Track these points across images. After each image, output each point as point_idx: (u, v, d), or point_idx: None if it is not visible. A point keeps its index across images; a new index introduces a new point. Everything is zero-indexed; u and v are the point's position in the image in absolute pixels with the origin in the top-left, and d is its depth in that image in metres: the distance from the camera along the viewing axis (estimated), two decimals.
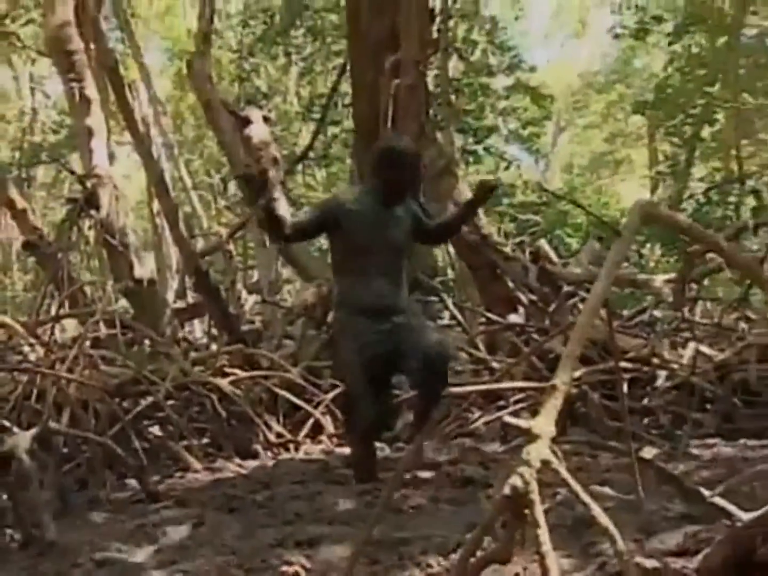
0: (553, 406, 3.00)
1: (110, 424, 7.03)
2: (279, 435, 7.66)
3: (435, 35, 10.61)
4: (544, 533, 2.73)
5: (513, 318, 9.53)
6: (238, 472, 6.59)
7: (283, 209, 6.11)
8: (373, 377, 5.42)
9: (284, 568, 3.87)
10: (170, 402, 7.66)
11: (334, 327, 6.33)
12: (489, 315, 9.90)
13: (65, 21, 13.96)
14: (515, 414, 6.39)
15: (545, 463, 2.85)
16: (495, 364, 8.51)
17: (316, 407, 7.87)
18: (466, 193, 10.55)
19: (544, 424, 2.94)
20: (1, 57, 26.70)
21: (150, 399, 7.58)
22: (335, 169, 25.16)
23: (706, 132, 24.73)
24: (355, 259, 5.54)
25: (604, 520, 2.80)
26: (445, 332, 6.59)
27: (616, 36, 25.03)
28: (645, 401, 7.28)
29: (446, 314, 10.85)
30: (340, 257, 5.70)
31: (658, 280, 9.43)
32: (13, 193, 15.24)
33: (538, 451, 2.86)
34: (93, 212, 14.26)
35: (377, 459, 5.71)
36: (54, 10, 13.98)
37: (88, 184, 14.40)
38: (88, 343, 8.55)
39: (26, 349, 9.22)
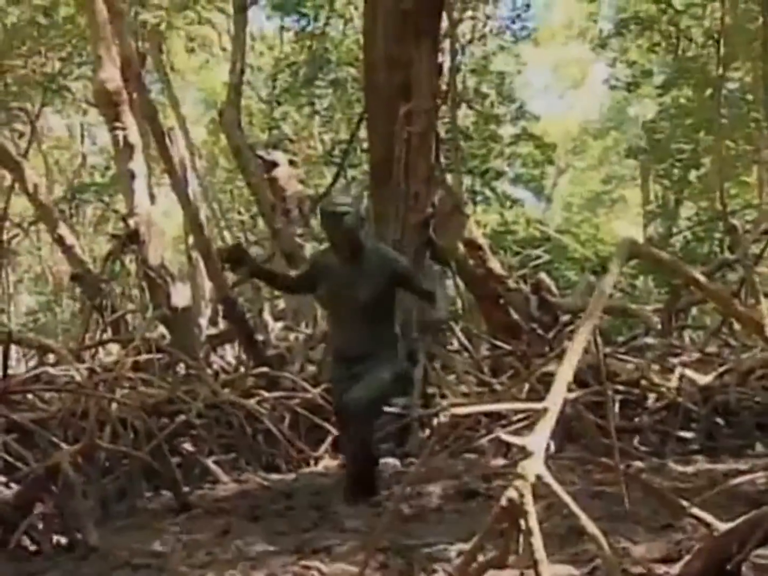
0: (545, 425, 3.00)
1: (147, 440, 7.04)
2: (300, 451, 7.66)
3: (444, 87, 10.65)
4: (537, 541, 2.74)
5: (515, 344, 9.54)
6: (262, 485, 6.59)
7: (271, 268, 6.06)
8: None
9: (303, 572, 3.88)
10: (201, 420, 7.68)
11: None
12: (493, 341, 9.90)
13: (112, 76, 14.15)
14: (517, 432, 6.37)
15: (538, 477, 2.86)
16: (498, 386, 8.51)
17: (334, 426, 7.86)
18: (473, 230, 10.61)
19: (537, 441, 2.95)
20: (56, 108, 26.95)
21: (183, 417, 7.59)
22: None
23: (693, 175, 24.82)
24: (331, 311, 5.69)
25: (592, 529, 2.81)
26: (391, 384, 6.13)
27: (612, 87, 25.18)
28: (635, 420, 7.26)
29: (454, 341, 10.84)
30: (323, 307, 5.84)
31: (648, 309, 9.43)
32: (63, 229, 15.33)
33: (532, 466, 2.86)
34: (134, 247, 14.35)
35: (372, 481, 5.46)
36: (102, 66, 14.17)
37: (131, 222, 14.50)
38: (128, 366, 8.59)
39: (72, 371, 9.25)
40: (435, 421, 7.81)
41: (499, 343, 9.73)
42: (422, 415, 8.05)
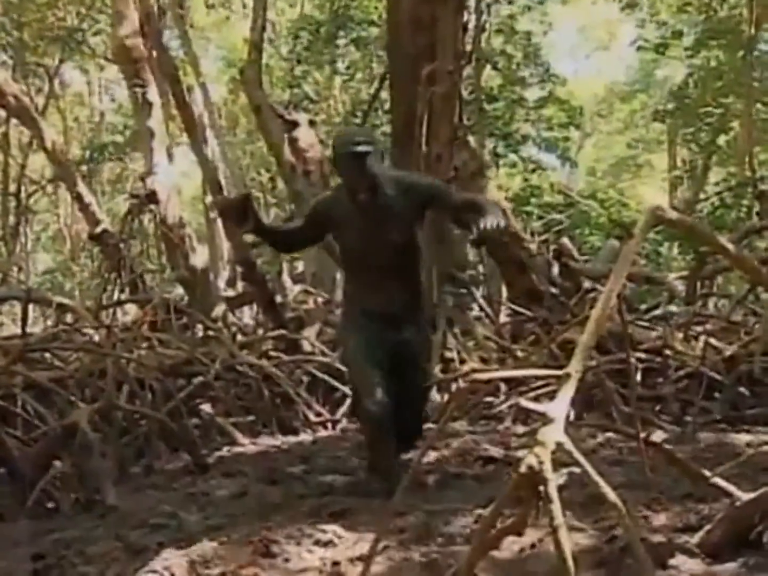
0: (566, 392, 3.01)
1: (165, 401, 7.12)
2: (318, 414, 7.71)
3: (469, 48, 10.57)
4: (557, 508, 2.75)
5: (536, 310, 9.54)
6: (280, 448, 6.64)
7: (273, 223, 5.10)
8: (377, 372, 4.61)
9: (320, 536, 3.92)
10: (219, 382, 7.74)
11: (339, 323, 5.47)
12: (514, 307, 9.90)
13: (131, 32, 14.15)
14: (536, 399, 6.39)
15: (559, 444, 2.87)
16: (519, 353, 8.52)
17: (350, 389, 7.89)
18: (495, 195, 10.56)
19: (558, 408, 2.95)
20: (75, 64, 26.94)
21: (201, 379, 7.65)
22: None
23: (722, 139, 24.55)
24: (354, 264, 4.78)
25: (612, 497, 2.82)
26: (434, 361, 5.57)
27: (639, 49, 24.84)
28: (657, 389, 7.25)
29: (475, 306, 10.83)
30: (342, 259, 4.98)
31: (672, 277, 9.39)
32: (81, 188, 15.38)
33: (553, 433, 2.87)
34: (153, 207, 14.38)
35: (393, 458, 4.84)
36: (121, 22, 14.17)
37: (149, 182, 14.53)
38: (146, 326, 8.65)
39: (90, 330, 9.32)
40: (453, 387, 7.83)
41: (519, 309, 9.72)
42: (441, 380, 8.08)
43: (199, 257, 14.76)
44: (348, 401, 7.79)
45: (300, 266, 18.18)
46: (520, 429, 6.30)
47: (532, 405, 3.05)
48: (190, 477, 5.73)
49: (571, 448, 2.90)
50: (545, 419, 2.93)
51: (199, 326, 10.44)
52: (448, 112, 9.41)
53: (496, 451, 5.35)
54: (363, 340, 4.62)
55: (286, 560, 3.73)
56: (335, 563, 3.62)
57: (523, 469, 2.81)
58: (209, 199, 20.87)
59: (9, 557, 4.50)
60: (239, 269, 13.56)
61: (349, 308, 4.88)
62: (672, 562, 3.13)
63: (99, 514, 5.04)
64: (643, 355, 7.31)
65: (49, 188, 26.93)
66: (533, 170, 23.27)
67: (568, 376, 3.07)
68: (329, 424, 7.58)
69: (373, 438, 4.72)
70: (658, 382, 7.33)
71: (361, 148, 4.36)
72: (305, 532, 3.95)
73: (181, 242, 14.26)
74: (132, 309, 14.76)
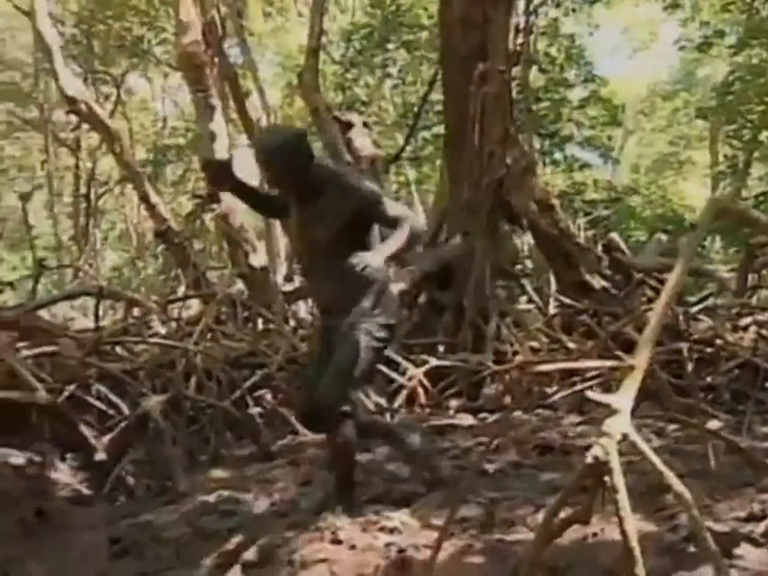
0: (632, 383, 2.92)
1: (230, 391, 7.13)
2: (376, 404, 7.65)
3: (518, 48, 10.45)
4: (623, 498, 2.67)
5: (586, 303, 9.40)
6: None
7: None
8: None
9: (385, 523, 3.86)
10: (281, 373, 7.72)
11: None
12: (564, 299, 9.77)
13: (194, 40, 14.24)
14: (589, 389, 6.29)
15: (624, 435, 2.79)
16: (570, 344, 8.39)
17: (409, 380, 7.83)
18: (545, 190, 10.44)
19: (624, 399, 2.87)
20: (141, 72, 27.22)
21: (264, 370, 7.64)
22: (426, 169, 25.09)
23: (764, 135, 24.11)
24: (299, 257, 4.62)
25: (679, 487, 2.73)
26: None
27: (682, 48, 24.47)
28: (709, 379, 7.09)
29: (523, 298, 10.71)
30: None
31: (722, 269, 9.20)
32: (147, 188, 15.49)
33: (619, 424, 2.79)
34: (215, 206, 14.45)
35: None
36: (185, 31, 14.28)
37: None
38: (211, 320, 8.67)
39: (156, 324, 9.36)
40: (507, 377, 7.74)
41: (569, 301, 9.59)
42: (494, 371, 7.99)
43: (259, 254, 14.79)
44: (404, 392, 7.74)
45: None
46: (576, 418, 6.18)
47: (598, 396, 2.96)
48: (256, 465, 5.72)
49: (637, 438, 2.82)
50: (611, 410, 2.85)
51: (261, 320, 10.44)
52: (499, 111, 9.30)
53: (553, 440, 5.26)
54: (317, 337, 4.52)
55: (353, 546, 3.68)
56: (401, 550, 3.56)
57: (589, 459, 2.74)
58: None
59: (87, 540, 4.52)
60: (295, 265, 13.56)
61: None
62: (737, 551, 3.03)
63: (170, 500, 5.04)
64: (694, 346, 7.15)
65: (117, 189, 27.20)
66: (580, 167, 23.04)
67: (632, 367, 2.98)
68: (387, 414, 7.52)
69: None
70: (709, 372, 7.17)
71: (267, 145, 4.09)
72: (371, 519, 3.91)
73: (242, 240, 14.31)
74: (195, 304, 14.82)
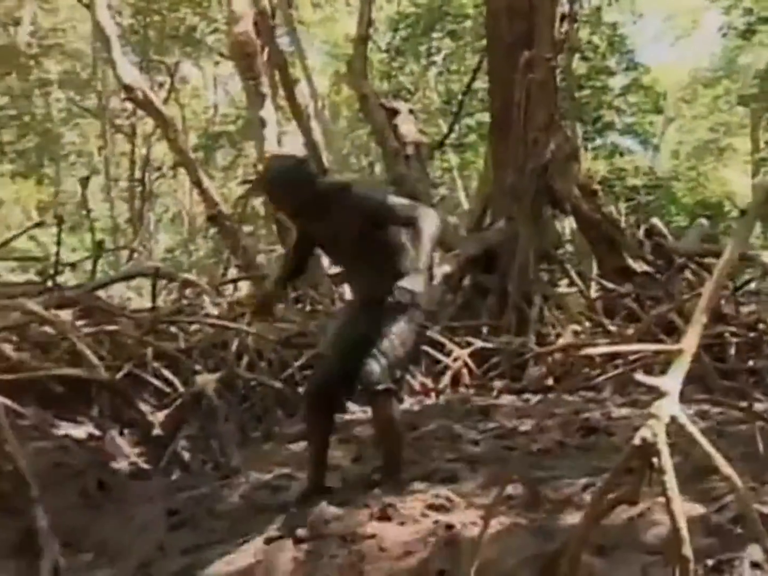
0: (681, 366, 2.87)
1: (281, 370, 7.14)
2: (422, 384, 7.63)
3: (563, 36, 10.33)
4: (671, 480, 2.63)
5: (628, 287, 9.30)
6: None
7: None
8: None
9: (432, 500, 3.84)
10: None
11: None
12: (604, 283, 9.68)
13: (245, 30, 14.25)
14: (632, 372, 6.23)
15: (673, 418, 2.74)
16: (611, 328, 8.31)
17: (454, 361, 7.80)
18: (586, 176, 10.33)
19: (673, 382, 2.82)
20: (193, 60, 27.35)
21: (313, 350, 7.64)
22: (469, 155, 24.98)
23: None
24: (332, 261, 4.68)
25: (726, 469, 2.69)
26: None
27: (724, 35, 24.03)
28: (751, 363, 6.97)
29: (563, 282, 10.61)
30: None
31: (765, 255, 9.03)
32: (200, 173, 15.56)
33: (667, 407, 2.75)
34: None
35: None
36: (237, 21, 14.29)
37: (260, 167, 14.61)
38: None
39: (207, 304, 9.38)
40: (550, 359, 7.68)
41: (611, 285, 9.49)
42: (537, 353, 7.94)
43: None
44: (450, 372, 7.72)
45: None
46: (619, 400, 6.11)
47: (647, 379, 2.91)
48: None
49: (685, 421, 2.77)
50: (659, 393, 2.81)
51: (309, 301, 10.45)
52: (544, 98, 9.23)
53: (596, 421, 5.20)
54: (340, 328, 4.43)
55: (402, 523, 3.67)
56: (449, 526, 3.54)
57: (637, 441, 2.70)
58: None
59: (145, 512, 4.57)
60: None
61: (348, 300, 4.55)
62: None
63: (224, 475, 5.07)
64: (737, 330, 7.04)
65: (170, 174, 27.37)
66: (620, 153, 22.80)
67: (681, 351, 2.93)
68: (433, 394, 7.50)
69: (307, 416, 4.39)
70: (751, 356, 7.05)
71: (268, 183, 4.11)
72: (418, 497, 3.89)
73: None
74: (245, 285, 14.89)
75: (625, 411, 5.39)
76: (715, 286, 3.06)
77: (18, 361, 5.95)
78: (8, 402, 5.07)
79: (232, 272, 14.32)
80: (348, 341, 4.28)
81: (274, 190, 4.08)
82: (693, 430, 2.77)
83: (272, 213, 14.90)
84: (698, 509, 3.35)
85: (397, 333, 4.12)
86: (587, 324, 8.87)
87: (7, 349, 6.10)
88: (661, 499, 2.67)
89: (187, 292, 10.25)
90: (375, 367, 4.07)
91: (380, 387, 4.07)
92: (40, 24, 25.62)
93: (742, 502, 2.65)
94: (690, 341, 2.93)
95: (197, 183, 15.48)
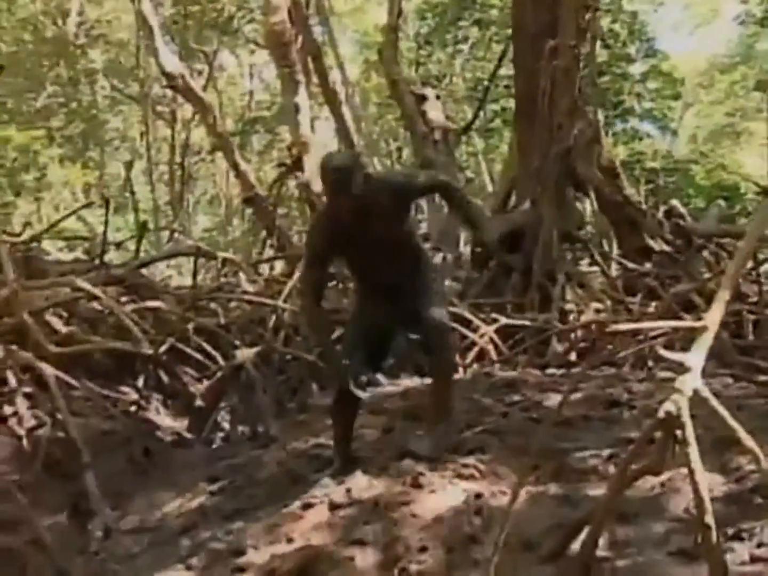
0: (704, 342, 2.85)
1: (315, 345, 7.14)
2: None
3: (586, 25, 10.19)
4: (694, 452, 2.62)
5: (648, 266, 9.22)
6: (417, 389, 6.56)
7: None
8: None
9: (461, 470, 3.84)
10: None
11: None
12: (626, 263, 9.59)
13: (281, 20, 14.25)
14: (652, 348, 6.17)
15: (696, 392, 2.72)
16: (632, 305, 8.24)
17: (480, 337, 7.76)
18: (607, 160, 10.22)
19: (696, 357, 2.80)
20: (230, 49, 27.35)
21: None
22: (494, 140, 24.83)
23: None
24: (362, 267, 4.38)
25: (748, 442, 2.67)
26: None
27: (742, 23, 23.69)
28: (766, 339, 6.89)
29: (585, 261, 10.53)
30: (349, 266, 4.53)
31: None
32: (237, 157, 15.59)
33: (690, 381, 2.73)
34: (298, 174, 14.48)
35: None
36: (272, 11, 14.30)
37: (294, 151, 14.63)
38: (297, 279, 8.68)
39: (244, 282, 9.40)
40: (573, 336, 7.64)
41: (632, 264, 9.41)
42: (560, 330, 7.90)
43: None
44: (476, 348, 7.68)
45: (424, 226, 18.05)
46: (640, 375, 6.06)
47: (671, 354, 2.89)
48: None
49: (708, 395, 2.76)
50: (683, 368, 2.78)
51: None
52: (568, 84, 9.14)
53: (619, 396, 5.16)
54: (361, 316, 4.35)
55: (433, 491, 3.67)
56: (478, 495, 3.54)
57: (661, 414, 2.68)
58: None
59: (188, 478, 4.61)
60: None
61: (358, 298, 4.53)
62: None
63: (262, 444, 5.10)
64: (755, 308, 6.96)
65: (208, 158, 27.42)
66: (640, 138, 22.59)
67: (705, 327, 2.90)
68: (460, 369, 7.47)
69: (334, 405, 4.34)
70: (764, 332, 6.97)
71: (337, 174, 4.00)
72: (448, 467, 3.89)
73: (322, 205, 14.35)
74: (279, 264, 14.92)
75: (645, 386, 5.35)
76: (738, 265, 3.03)
77: (68, 335, 6.01)
78: (60, 374, 5.12)
79: (268, 252, 14.35)
80: (372, 327, 4.29)
81: (341, 182, 3.99)
82: (715, 403, 2.75)
83: (305, 196, 14.91)
84: (719, 479, 3.33)
85: (440, 292, 4.45)
86: (608, 302, 8.81)
87: (58, 323, 6.16)
88: (684, 470, 2.66)
89: (225, 270, 10.30)
90: (437, 312, 4.25)
91: (446, 327, 4.38)
92: (86, 16, 25.75)
93: (763, 473, 2.63)
94: (713, 318, 2.90)
95: (234, 166, 15.55)
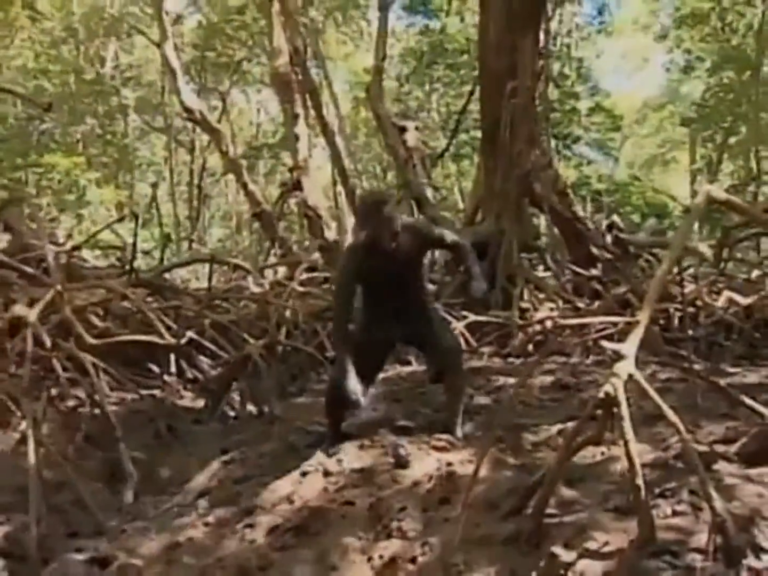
0: (637, 334, 2.89)
1: (312, 338, 7.15)
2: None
3: (540, 69, 10.25)
4: (627, 426, 2.65)
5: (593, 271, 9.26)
6: (399, 375, 6.57)
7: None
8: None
9: (436, 443, 3.86)
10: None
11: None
12: (575, 268, 9.63)
13: (284, 62, 14.29)
14: (596, 340, 6.21)
15: (630, 376, 2.76)
16: (580, 304, 8.28)
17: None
18: (559, 182, 10.26)
19: (630, 347, 2.83)
20: (240, 88, 27.35)
21: None
22: (465, 165, 24.91)
23: (732, 140, 23.68)
24: (375, 295, 4.23)
25: (672, 416, 2.70)
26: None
27: (668, 70, 24.09)
28: (690, 332, 6.94)
29: (540, 267, 10.57)
30: (365, 292, 4.29)
31: (702, 245, 8.98)
32: (246, 178, 15.57)
33: (626, 367, 2.76)
34: (298, 193, 14.48)
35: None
36: (277, 55, 14.34)
37: (295, 174, 14.63)
38: (298, 282, 8.70)
39: (252, 284, 9.38)
40: (530, 330, 7.66)
41: (579, 270, 9.45)
42: (520, 326, 7.93)
43: (332, 231, 14.82)
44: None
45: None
46: (585, 363, 6.11)
47: (609, 344, 2.93)
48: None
49: (640, 378, 2.79)
50: (619, 356, 2.82)
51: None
52: (526, 118, 9.17)
53: (568, 381, 5.19)
54: (362, 345, 4.12)
55: (410, 461, 3.69)
56: (449, 464, 3.57)
57: (601, 394, 2.72)
58: (338, 187, 20.89)
59: (205, 450, 4.61)
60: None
61: (364, 316, 4.34)
62: (715, 467, 3.00)
63: (267, 421, 5.10)
64: (679, 306, 7.01)
65: (222, 179, 27.37)
66: (587, 163, 22.75)
67: (638, 323, 2.94)
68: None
69: (327, 407, 4.26)
70: (691, 327, 7.03)
71: (386, 210, 3.94)
72: (423, 439, 3.91)
73: (319, 219, 14.34)
74: (281, 269, 14.89)
75: (590, 372, 5.40)
76: (664, 270, 3.07)
77: (104, 329, 6.00)
78: (97, 362, 5.12)
79: (272, 258, 14.34)
80: (374, 344, 4.22)
81: (389, 218, 3.95)
82: (646, 385, 2.79)
83: (304, 212, 14.90)
84: (648, 448, 3.37)
85: (443, 317, 4.65)
86: (560, 302, 8.84)
87: (95, 320, 6.15)
88: (620, 442, 2.70)
89: (235, 275, 10.28)
90: (449, 337, 4.34)
91: (460, 350, 4.49)
92: (120, 61, 25.82)
93: (684, 443, 2.67)
94: (644, 315, 2.94)
95: (243, 186, 15.54)
